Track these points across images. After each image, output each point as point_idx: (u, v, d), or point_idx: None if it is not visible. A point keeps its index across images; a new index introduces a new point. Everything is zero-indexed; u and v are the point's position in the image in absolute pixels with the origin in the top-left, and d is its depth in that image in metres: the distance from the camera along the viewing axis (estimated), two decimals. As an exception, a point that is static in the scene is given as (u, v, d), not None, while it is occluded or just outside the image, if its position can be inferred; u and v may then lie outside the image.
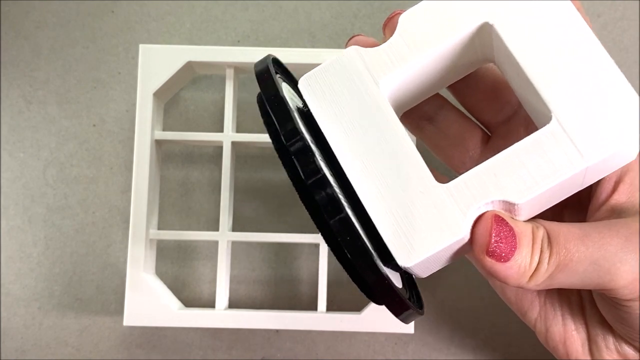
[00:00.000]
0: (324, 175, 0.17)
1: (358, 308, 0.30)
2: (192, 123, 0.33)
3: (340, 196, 0.18)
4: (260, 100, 0.21)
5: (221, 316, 0.29)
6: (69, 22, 0.34)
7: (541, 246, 0.19)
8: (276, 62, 0.21)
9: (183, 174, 0.33)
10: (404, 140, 0.19)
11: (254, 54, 0.29)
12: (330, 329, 0.29)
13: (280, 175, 0.33)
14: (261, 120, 0.21)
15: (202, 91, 0.33)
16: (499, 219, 0.19)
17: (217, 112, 0.33)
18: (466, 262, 0.29)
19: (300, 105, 0.20)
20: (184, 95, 0.33)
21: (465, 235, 0.19)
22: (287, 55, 0.28)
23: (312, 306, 0.30)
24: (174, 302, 0.30)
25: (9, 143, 0.33)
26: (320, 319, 0.29)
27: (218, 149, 0.32)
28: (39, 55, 0.34)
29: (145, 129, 0.29)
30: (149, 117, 0.29)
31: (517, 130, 0.24)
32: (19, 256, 0.33)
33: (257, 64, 0.20)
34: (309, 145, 0.17)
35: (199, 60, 0.30)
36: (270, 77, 0.19)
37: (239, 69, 0.30)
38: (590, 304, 0.23)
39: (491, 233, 0.18)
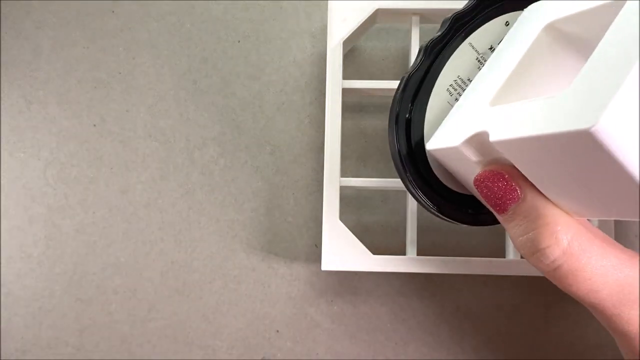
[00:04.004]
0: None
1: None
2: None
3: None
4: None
5: (414, 262, 0.29)
6: (69, 22, 0.34)
7: None
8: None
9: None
10: (503, 69, 0.23)
11: (440, 2, 0.30)
12: (522, 274, 0.29)
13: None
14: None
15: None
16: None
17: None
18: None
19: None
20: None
21: (458, 146, 0.22)
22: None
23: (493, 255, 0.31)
24: (365, 249, 0.29)
25: (10, 143, 0.33)
26: (512, 265, 0.29)
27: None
28: (40, 55, 0.34)
29: (336, 77, 0.29)
30: (339, 65, 0.30)
31: None
32: (19, 256, 0.33)
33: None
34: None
35: (387, 7, 0.30)
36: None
37: (424, 17, 0.30)
38: None
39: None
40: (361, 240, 0.31)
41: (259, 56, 0.33)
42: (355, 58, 0.34)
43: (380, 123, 0.33)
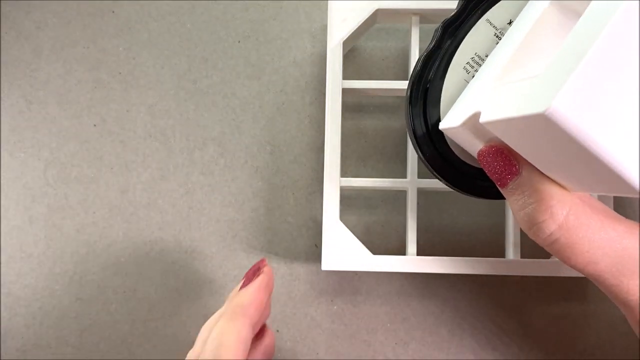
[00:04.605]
0: None
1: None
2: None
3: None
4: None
5: (414, 262, 0.29)
6: (69, 22, 0.34)
7: None
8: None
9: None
10: (511, 45, 0.22)
11: (440, 2, 0.30)
12: (522, 274, 0.29)
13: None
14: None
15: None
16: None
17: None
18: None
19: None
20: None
21: (459, 127, 0.22)
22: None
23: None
24: (365, 249, 0.29)
25: (10, 143, 0.33)
26: (512, 265, 0.29)
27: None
28: (40, 56, 0.34)
29: (336, 77, 0.30)
30: (339, 65, 0.30)
31: None
32: (19, 256, 0.33)
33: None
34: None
35: (387, 7, 0.30)
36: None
37: (424, 17, 0.30)
38: None
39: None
40: (361, 240, 0.31)
41: (259, 56, 0.33)
42: (355, 58, 0.34)
43: (380, 123, 0.33)
